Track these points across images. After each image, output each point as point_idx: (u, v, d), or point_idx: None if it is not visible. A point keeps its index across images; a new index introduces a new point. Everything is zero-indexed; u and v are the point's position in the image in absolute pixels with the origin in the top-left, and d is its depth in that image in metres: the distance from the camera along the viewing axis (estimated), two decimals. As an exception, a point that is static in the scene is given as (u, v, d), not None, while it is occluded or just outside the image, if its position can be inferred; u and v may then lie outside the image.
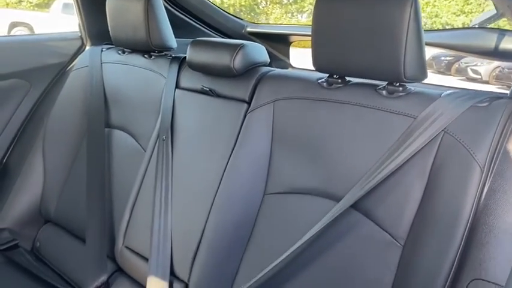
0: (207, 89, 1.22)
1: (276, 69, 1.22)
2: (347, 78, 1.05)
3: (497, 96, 0.88)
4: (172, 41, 1.43)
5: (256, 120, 1.11)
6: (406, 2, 0.84)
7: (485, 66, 7.38)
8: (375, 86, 0.99)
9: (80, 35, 1.73)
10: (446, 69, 8.07)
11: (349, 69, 0.98)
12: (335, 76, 1.04)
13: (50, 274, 1.35)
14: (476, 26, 1.51)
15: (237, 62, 1.15)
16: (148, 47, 1.41)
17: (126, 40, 1.47)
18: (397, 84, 0.95)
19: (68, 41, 1.72)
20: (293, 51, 2.03)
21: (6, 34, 6.49)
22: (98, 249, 1.25)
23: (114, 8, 1.45)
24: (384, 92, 0.96)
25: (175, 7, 1.85)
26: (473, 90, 0.95)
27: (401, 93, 0.94)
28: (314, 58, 1.01)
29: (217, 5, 1.94)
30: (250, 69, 1.20)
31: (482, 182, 0.81)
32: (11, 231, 1.49)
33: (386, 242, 0.90)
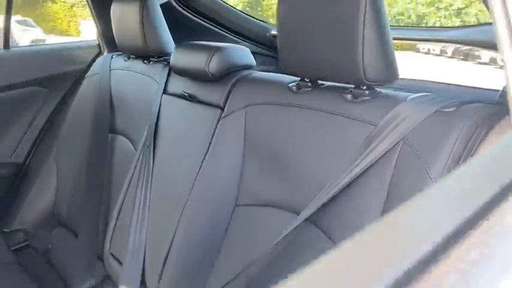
0: (187, 94, 1.19)
1: (256, 72, 1.15)
2: (319, 81, 0.96)
3: (468, 101, 0.75)
4: (169, 45, 1.41)
5: (229, 127, 1.05)
6: None
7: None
8: (342, 90, 0.89)
9: (97, 42, 1.78)
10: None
11: (312, 72, 0.89)
12: (306, 79, 0.95)
13: (54, 277, 1.39)
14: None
15: (212, 66, 1.10)
16: (145, 53, 1.41)
17: (128, 46, 1.48)
18: (364, 87, 0.84)
19: (86, 48, 1.77)
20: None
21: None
22: (88, 253, 1.26)
23: (116, 14, 1.46)
24: (349, 96, 0.86)
25: (194, 13, 1.83)
26: (450, 91, 0.82)
27: (366, 97, 0.84)
28: (281, 60, 0.94)
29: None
30: (229, 72, 1.14)
31: None
32: (26, 233, 1.56)
33: None
